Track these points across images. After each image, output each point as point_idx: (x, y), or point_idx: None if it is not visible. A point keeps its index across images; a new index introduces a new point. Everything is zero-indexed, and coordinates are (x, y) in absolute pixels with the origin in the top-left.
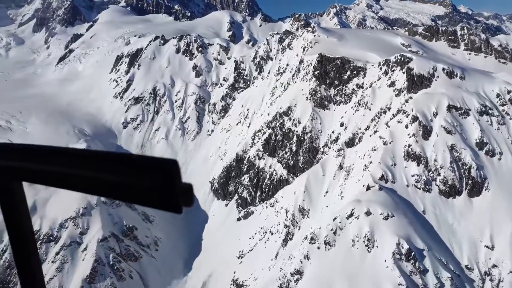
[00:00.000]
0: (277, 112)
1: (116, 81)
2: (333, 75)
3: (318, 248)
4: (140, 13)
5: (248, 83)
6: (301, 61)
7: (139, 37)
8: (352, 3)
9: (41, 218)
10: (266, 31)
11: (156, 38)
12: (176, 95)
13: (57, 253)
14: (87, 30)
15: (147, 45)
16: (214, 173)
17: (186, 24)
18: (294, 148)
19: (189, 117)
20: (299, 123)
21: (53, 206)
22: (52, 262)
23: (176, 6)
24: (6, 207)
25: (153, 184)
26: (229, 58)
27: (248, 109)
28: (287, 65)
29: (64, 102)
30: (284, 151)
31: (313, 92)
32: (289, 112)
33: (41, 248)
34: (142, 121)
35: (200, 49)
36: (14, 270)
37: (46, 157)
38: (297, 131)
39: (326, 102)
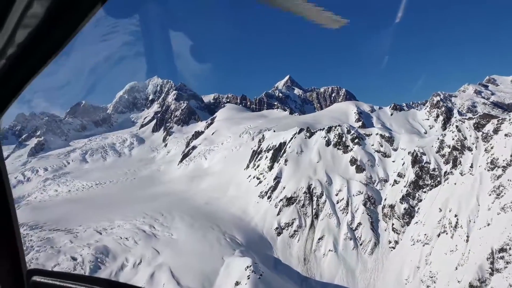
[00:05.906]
0: None
1: (258, 178)
2: None
3: None
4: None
5: (438, 179)
6: None
7: (273, 131)
8: (457, 90)
9: None
10: (398, 120)
11: (301, 130)
12: (336, 195)
13: None
14: (206, 127)
15: (291, 138)
16: None
17: (308, 117)
18: None
19: (360, 223)
20: None
21: None
22: None
23: (276, 103)
24: None
25: None
26: (395, 150)
27: (456, 215)
28: None
29: (201, 201)
30: None
31: None
32: None
33: None
34: (300, 226)
35: (356, 140)
36: None
37: None
38: None
39: None
